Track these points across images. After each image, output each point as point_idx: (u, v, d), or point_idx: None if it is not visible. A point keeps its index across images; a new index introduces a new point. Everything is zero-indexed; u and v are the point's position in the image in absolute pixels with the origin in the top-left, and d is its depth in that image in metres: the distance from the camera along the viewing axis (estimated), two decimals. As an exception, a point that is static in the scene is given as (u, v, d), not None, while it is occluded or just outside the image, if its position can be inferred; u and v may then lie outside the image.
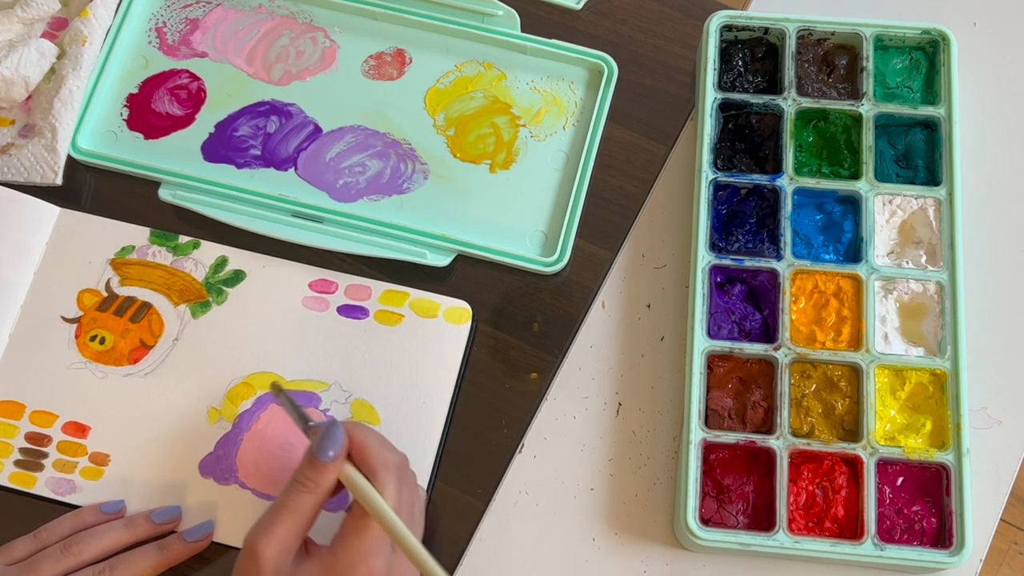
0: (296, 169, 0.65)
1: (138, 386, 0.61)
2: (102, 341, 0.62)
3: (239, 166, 0.65)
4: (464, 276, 0.63)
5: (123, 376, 0.61)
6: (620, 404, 0.60)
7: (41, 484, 0.59)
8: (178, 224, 0.64)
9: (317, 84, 0.67)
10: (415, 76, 0.67)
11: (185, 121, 0.67)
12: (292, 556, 0.49)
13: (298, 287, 0.62)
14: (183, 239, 0.64)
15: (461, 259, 0.63)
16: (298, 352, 0.61)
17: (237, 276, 0.63)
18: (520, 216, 0.64)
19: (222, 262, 0.63)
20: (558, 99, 0.66)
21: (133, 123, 0.67)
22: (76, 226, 0.64)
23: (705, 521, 0.55)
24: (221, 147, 0.66)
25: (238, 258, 0.63)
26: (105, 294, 0.63)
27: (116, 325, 0.62)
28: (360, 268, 0.63)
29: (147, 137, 0.66)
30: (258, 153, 0.66)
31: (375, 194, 0.64)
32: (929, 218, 0.60)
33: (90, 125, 0.66)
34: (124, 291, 0.63)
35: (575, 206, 0.63)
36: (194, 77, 0.68)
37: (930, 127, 0.62)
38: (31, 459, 0.60)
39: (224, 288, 0.62)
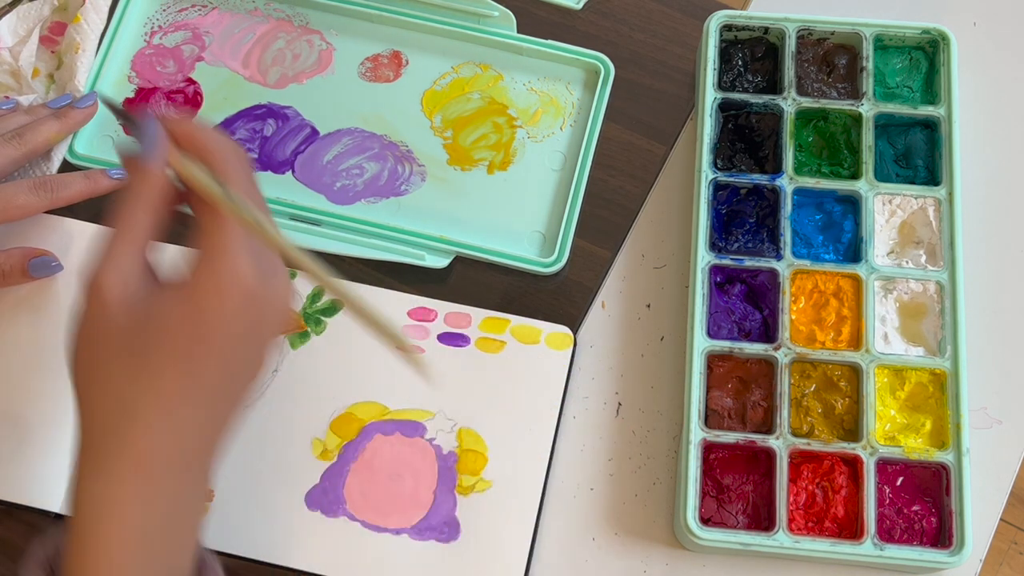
0: (293, 172, 0.65)
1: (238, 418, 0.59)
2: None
3: (237, 168, 0.65)
4: (463, 277, 0.63)
5: None
6: (620, 404, 0.60)
7: None
8: (177, 228, 0.64)
9: (314, 87, 0.67)
10: (412, 78, 0.67)
11: (183, 124, 0.67)
12: (138, 284, 0.41)
13: (396, 315, 0.61)
14: None
15: (460, 260, 0.63)
16: (400, 381, 0.59)
17: (335, 306, 0.61)
18: (518, 217, 0.64)
19: (319, 292, 0.62)
20: (555, 100, 0.66)
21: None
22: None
23: (705, 521, 0.55)
24: (219, 149, 0.66)
25: None
26: None
27: None
28: (360, 270, 0.63)
29: (145, 140, 0.66)
30: (255, 156, 0.65)
31: (373, 196, 0.64)
32: (929, 218, 0.60)
33: (87, 130, 0.66)
34: None
35: (573, 207, 0.63)
36: (190, 81, 0.68)
37: (930, 127, 0.62)
38: None
39: (322, 318, 0.61)
